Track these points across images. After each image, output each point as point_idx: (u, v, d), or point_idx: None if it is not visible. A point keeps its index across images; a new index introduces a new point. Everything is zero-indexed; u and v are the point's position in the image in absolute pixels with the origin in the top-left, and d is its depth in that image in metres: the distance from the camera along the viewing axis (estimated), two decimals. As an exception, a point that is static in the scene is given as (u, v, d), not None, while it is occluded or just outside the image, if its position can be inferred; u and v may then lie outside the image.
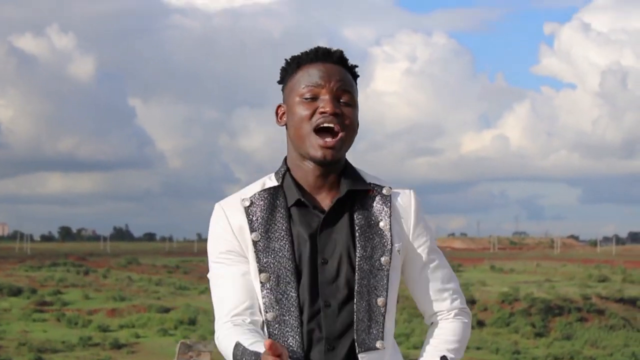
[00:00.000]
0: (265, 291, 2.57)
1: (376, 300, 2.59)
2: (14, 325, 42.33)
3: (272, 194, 2.63)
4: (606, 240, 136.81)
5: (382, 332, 2.60)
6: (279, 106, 2.73)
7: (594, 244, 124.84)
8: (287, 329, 2.56)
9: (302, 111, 2.61)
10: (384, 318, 2.61)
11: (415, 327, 42.61)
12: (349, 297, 2.60)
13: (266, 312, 2.58)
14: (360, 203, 2.65)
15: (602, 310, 53.84)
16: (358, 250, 2.60)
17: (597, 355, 41.11)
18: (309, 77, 2.61)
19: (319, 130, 2.60)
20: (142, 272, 66.60)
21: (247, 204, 2.64)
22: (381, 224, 2.64)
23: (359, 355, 2.57)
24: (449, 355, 2.70)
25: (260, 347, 2.40)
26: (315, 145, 2.59)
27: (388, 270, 2.61)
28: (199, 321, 44.64)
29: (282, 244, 2.58)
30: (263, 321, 2.59)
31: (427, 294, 2.78)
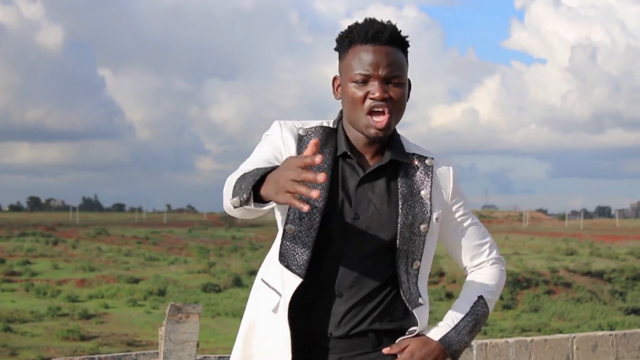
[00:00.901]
0: (290, 213, 2.72)
1: (412, 263, 2.79)
2: (-18, 295, 42.22)
3: (326, 134, 2.79)
4: (574, 214, 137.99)
5: (418, 290, 2.81)
6: (335, 78, 2.88)
7: (562, 217, 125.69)
8: (300, 246, 2.70)
9: (354, 94, 2.74)
10: (417, 279, 2.80)
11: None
12: (370, 254, 2.75)
13: (287, 224, 2.71)
14: (404, 172, 2.81)
15: (569, 283, 54.32)
16: (400, 218, 2.76)
17: (564, 327, 41.49)
18: (359, 63, 2.73)
19: (371, 112, 2.75)
20: (112, 243, 66.42)
21: (302, 133, 2.78)
22: (422, 193, 2.80)
23: (414, 311, 2.78)
24: (487, 295, 2.92)
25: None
26: (368, 125, 2.74)
27: (425, 236, 2.79)
28: (168, 292, 44.67)
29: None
30: (282, 232, 2.74)
31: (467, 249, 2.96)
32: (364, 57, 2.73)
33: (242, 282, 49.67)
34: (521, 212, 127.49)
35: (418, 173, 2.83)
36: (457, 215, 2.92)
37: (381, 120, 2.73)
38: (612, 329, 34.06)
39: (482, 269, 2.99)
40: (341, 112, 2.85)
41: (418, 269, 2.81)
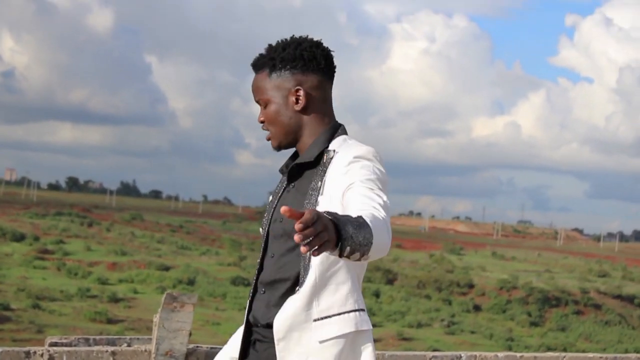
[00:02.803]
0: (262, 241, 3.24)
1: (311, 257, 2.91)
2: (14, 271, 42.56)
3: (291, 158, 3.23)
4: (610, 236, 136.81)
5: (306, 276, 2.93)
6: None
7: (597, 238, 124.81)
8: (255, 270, 3.25)
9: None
10: (309, 263, 2.92)
11: (412, 305, 42.81)
12: (284, 253, 3.04)
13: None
14: (308, 170, 3.04)
15: (599, 305, 53.91)
16: (275, 213, 3.13)
17: (590, 349, 41.21)
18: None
19: None
20: (146, 229, 66.79)
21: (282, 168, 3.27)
22: (312, 184, 2.97)
23: (291, 297, 2.96)
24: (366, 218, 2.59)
25: None
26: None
27: None
28: (198, 282, 44.81)
29: (271, 203, 3.20)
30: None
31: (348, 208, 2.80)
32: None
33: (272, 277, 49.66)
34: (556, 230, 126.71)
35: (319, 167, 2.99)
36: (348, 181, 2.84)
37: (267, 136, 3.18)
38: (637, 352, 33.78)
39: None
40: None
41: (308, 257, 2.97)
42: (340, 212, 2.68)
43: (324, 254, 2.62)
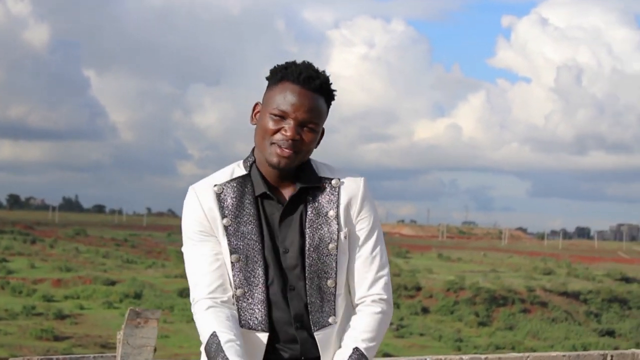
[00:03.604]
0: (235, 270, 2.90)
1: (326, 282, 2.91)
2: (-43, 292, 42.02)
3: (240, 182, 2.95)
4: (553, 234, 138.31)
5: (334, 309, 2.92)
6: (257, 103, 3.02)
7: (541, 237, 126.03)
8: (255, 303, 2.90)
9: (269, 125, 2.89)
10: (335, 296, 2.92)
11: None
12: (304, 281, 2.93)
13: (236, 288, 2.90)
14: (312, 196, 2.96)
15: (545, 302, 54.45)
16: (307, 241, 2.91)
17: (538, 346, 41.63)
18: (283, 99, 2.88)
19: (277, 144, 2.90)
20: (90, 244, 66.20)
21: (218, 190, 2.94)
22: (330, 214, 2.94)
23: (315, 334, 2.90)
24: (362, 345, 2.93)
25: (232, 352, 2.74)
26: (272, 153, 2.88)
27: (336, 255, 2.91)
28: (145, 295, 44.54)
29: (250, 228, 2.91)
30: (233, 295, 2.92)
31: (355, 275, 3.01)
32: (289, 96, 2.88)
33: (219, 288, 49.55)
34: (501, 229, 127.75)
35: (325, 195, 2.96)
36: (359, 233, 3.00)
37: (287, 151, 2.87)
38: (585, 349, 34.18)
39: (363, 310, 3.00)
40: (252, 151, 3.00)
41: (334, 288, 2.93)
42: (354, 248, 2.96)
43: (345, 291, 2.95)
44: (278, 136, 2.87)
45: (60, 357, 5.52)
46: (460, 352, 36.15)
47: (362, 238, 3.01)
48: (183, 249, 2.98)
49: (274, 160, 2.87)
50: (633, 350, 7.30)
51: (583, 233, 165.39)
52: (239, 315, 2.90)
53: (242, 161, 3.00)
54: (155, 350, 5.25)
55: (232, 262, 2.89)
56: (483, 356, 6.58)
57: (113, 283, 47.07)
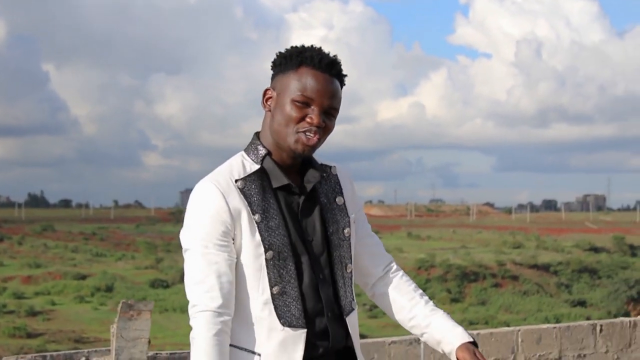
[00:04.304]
0: (270, 267, 2.77)
1: (346, 267, 2.90)
2: None
3: (258, 176, 2.83)
4: (520, 207, 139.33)
5: (352, 294, 2.92)
6: (267, 89, 2.89)
7: (508, 211, 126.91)
8: (290, 300, 2.79)
9: (292, 113, 2.79)
10: (351, 282, 2.92)
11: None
12: (330, 269, 2.88)
13: (272, 287, 2.77)
14: (319, 183, 2.93)
15: (516, 276, 54.85)
16: (329, 227, 2.88)
17: (511, 320, 41.90)
18: (307, 86, 2.79)
19: (302, 132, 2.81)
20: (58, 239, 65.89)
21: (242, 185, 2.80)
22: (337, 200, 2.94)
23: (346, 319, 2.87)
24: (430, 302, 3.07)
25: None
26: (298, 141, 2.79)
27: (349, 240, 2.91)
28: (116, 288, 44.40)
29: (277, 222, 2.80)
30: (269, 296, 2.78)
31: (367, 253, 3.05)
32: (312, 82, 2.79)
33: (191, 277, 49.49)
34: (468, 205, 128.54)
35: (329, 182, 2.95)
36: (360, 219, 3.04)
37: (313, 139, 2.79)
38: (557, 321, 34.47)
39: (397, 277, 3.07)
40: (259, 141, 2.89)
41: (351, 273, 2.92)
42: (354, 232, 2.96)
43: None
44: (303, 124, 2.78)
45: (54, 353, 5.47)
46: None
47: (363, 221, 3.05)
48: (190, 245, 2.79)
49: (299, 148, 2.79)
50: (621, 318, 7.37)
51: (550, 205, 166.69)
52: (277, 313, 2.77)
53: (243, 152, 2.89)
54: (149, 342, 5.22)
55: (266, 259, 2.76)
56: (475, 332, 6.61)
57: (84, 277, 46.88)
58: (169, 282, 48.03)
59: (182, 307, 40.29)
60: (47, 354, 5.66)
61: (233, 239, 2.76)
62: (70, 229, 74.80)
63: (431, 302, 3.02)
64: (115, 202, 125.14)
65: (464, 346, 2.87)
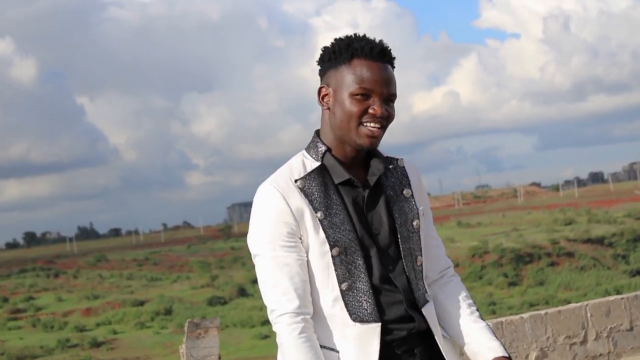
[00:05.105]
0: (337, 264, 2.75)
1: (416, 260, 2.87)
2: (-11, 336, 42.13)
3: (319, 173, 2.81)
4: (568, 183, 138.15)
5: (425, 286, 2.89)
6: (322, 87, 2.86)
7: (556, 188, 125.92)
8: (360, 294, 2.76)
9: (354, 107, 2.76)
10: (422, 275, 2.89)
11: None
12: (400, 261, 2.86)
13: (340, 283, 2.75)
14: (385, 176, 2.90)
15: (571, 252, 54.40)
16: (396, 219, 2.85)
17: (571, 297, 41.55)
18: (363, 78, 2.76)
19: (366, 125, 2.79)
20: (112, 268, 66.31)
21: (302, 185, 2.78)
22: (405, 192, 2.91)
23: (423, 310, 2.84)
24: (477, 312, 3.02)
25: None
26: (363, 135, 2.77)
27: (419, 232, 2.88)
28: (175, 310, 44.60)
29: (341, 218, 2.77)
30: (339, 293, 2.76)
31: (432, 258, 3.01)
32: (368, 73, 2.76)
33: (247, 291, 49.61)
34: (515, 188, 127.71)
35: (396, 175, 2.92)
36: (427, 214, 3.00)
37: (377, 130, 2.77)
38: (619, 293, 34.14)
39: (453, 281, 3.05)
40: (319, 139, 2.86)
41: (421, 265, 2.89)
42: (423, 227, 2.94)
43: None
44: (366, 117, 2.75)
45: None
46: (495, 315, 36.12)
47: (428, 216, 3.00)
48: (259, 251, 2.78)
49: (365, 141, 2.76)
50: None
51: (597, 178, 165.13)
52: (347, 309, 2.75)
53: (304, 151, 2.86)
54: (219, 358, 5.23)
55: (333, 256, 2.73)
56: (543, 312, 6.56)
57: (142, 303, 47.15)
58: (227, 299, 48.18)
59: (242, 322, 40.42)
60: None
61: (300, 239, 2.74)
62: (122, 257, 75.25)
63: (477, 313, 2.99)
64: (164, 225, 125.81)
65: (501, 358, 2.87)
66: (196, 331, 5.22)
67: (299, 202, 2.75)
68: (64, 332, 41.80)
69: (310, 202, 2.76)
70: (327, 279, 2.75)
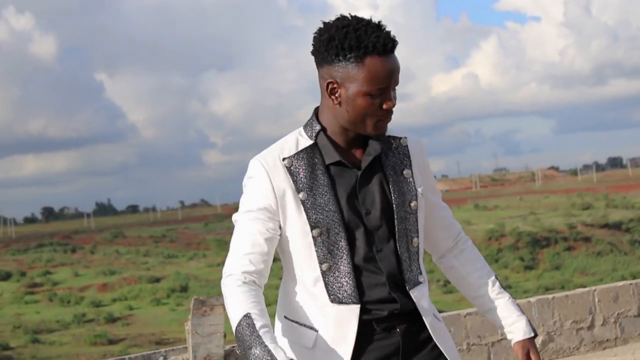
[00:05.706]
0: (318, 245, 2.77)
1: (412, 241, 2.86)
2: (6, 310, 42.33)
3: (309, 153, 2.81)
4: (586, 168, 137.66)
5: (419, 268, 2.88)
6: (330, 82, 2.80)
7: (574, 173, 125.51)
8: (341, 276, 2.77)
9: (369, 106, 2.74)
10: (418, 256, 2.88)
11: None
12: (393, 241, 2.84)
13: (321, 263, 2.77)
14: (386, 155, 2.88)
15: (588, 237, 54.25)
16: (393, 199, 2.84)
17: (587, 282, 41.47)
18: (379, 78, 2.73)
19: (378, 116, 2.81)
20: (129, 245, 66.54)
21: (289, 164, 2.79)
22: (405, 172, 2.89)
23: (410, 292, 2.83)
24: (493, 273, 3.08)
25: (268, 338, 2.60)
26: (376, 127, 2.78)
27: (417, 213, 2.87)
28: (191, 287, 44.74)
29: (326, 199, 2.78)
30: (319, 273, 2.78)
31: (444, 228, 3.06)
32: (382, 71, 2.73)
33: (263, 270, 49.75)
34: (533, 171, 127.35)
35: (397, 154, 2.90)
36: (431, 191, 3.00)
37: (388, 119, 2.79)
38: (635, 279, 34.07)
39: (467, 248, 3.08)
40: (316, 118, 2.85)
41: (417, 246, 2.88)
42: (424, 206, 2.93)
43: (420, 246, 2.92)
44: (382, 112, 2.75)
45: (132, 356, 5.56)
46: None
47: (434, 193, 3.02)
48: (236, 218, 2.84)
49: (378, 131, 2.78)
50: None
51: (615, 163, 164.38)
52: (327, 290, 2.76)
53: (302, 128, 2.87)
54: (225, 335, 5.27)
55: (313, 237, 2.74)
56: (550, 296, 6.60)
57: (158, 280, 47.34)
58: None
59: (258, 300, 40.54)
60: (126, 356, 5.74)
61: (278, 217, 2.76)
62: (140, 233, 75.49)
63: (498, 283, 3.02)
64: (182, 202, 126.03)
65: (523, 342, 2.95)
66: (202, 308, 5.26)
67: (283, 181, 2.77)
68: (80, 307, 42.02)
69: (295, 181, 2.77)
70: (309, 259, 2.77)
